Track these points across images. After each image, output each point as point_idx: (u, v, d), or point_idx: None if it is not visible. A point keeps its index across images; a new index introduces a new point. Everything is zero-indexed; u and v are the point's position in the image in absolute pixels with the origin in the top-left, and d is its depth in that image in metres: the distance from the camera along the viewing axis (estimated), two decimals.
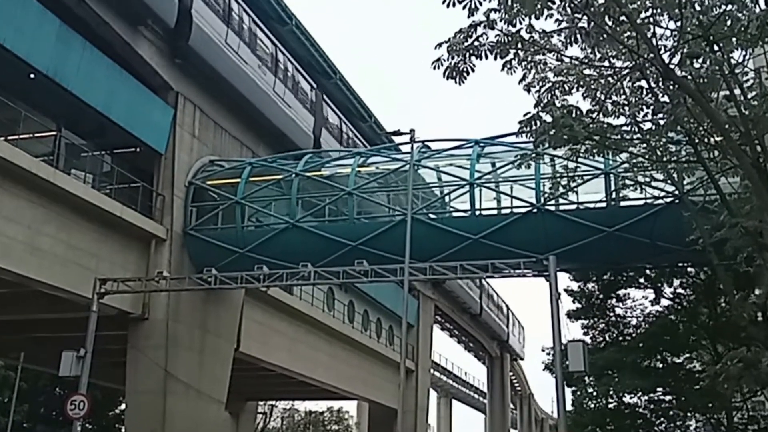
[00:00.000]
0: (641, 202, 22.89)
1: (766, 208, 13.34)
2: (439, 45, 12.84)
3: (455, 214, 25.92)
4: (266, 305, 32.29)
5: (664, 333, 26.47)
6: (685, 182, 20.10)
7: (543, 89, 13.91)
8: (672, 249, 21.61)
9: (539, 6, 12.14)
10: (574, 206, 23.82)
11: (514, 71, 13.47)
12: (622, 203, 23.37)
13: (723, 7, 12.68)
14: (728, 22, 12.69)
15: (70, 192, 22.78)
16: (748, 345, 15.55)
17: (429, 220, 25.30)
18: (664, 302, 27.75)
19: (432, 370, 58.39)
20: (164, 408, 25.63)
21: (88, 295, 23.20)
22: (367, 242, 25.03)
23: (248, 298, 30.40)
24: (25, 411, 40.49)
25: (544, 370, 30.64)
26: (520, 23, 12.50)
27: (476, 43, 12.69)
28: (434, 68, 13.01)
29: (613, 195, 23.24)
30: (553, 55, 13.70)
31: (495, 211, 25.36)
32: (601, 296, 28.51)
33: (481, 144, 26.45)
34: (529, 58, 13.56)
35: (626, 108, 14.90)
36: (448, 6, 12.15)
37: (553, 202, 23.85)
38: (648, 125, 15.51)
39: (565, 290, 28.31)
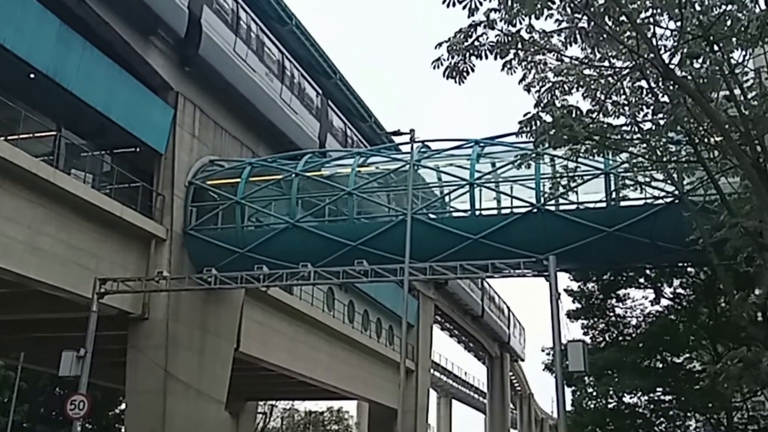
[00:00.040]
0: (641, 202, 22.88)
1: (766, 208, 13.34)
2: (439, 45, 12.85)
3: (455, 214, 25.91)
4: (266, 305, 32.29)
5: (664, 333, 26.45)
6: (685, 182, 20.09)
7: (543, 89, 13.91)
8: (672, 249, 21.61)
9: (539, 6, 12.13)
10: (574, 206, 23.81)
11: (514, 71, 13.47)
12: (622, 203, 23.36)
13: (723, 7, 12.67)
14: (728, 22, 12.68)
15: (70, 192, 22.77)
16: (748, 345, 15.55)
17: (429, 220, 25.29)
18: (664, 302, 27.76)
19: (432, 370, 58.39)
20: (164, 408, 25.62)
21: (88, 295, 23.19)
22: (367, 242, 25.03)
23: (248, 298, 30.39)
24: (25, 411, 40.48)
25: (544, 370, 30.62)
26: (520, 23, 12.51)
27: (476, 43, 12.70)
28: (434, 68, 13.02)
29: (613, 195, 23.23)
30: (553, 55, 13.70)
31: (495, 211, 25.35)
32: (601, 296, 28.50)
33: (481, 144, 26.45)
34: (529, 58, 13.56)
35: (626, 108, 14.89)
36: (448, 6, 12.16)
37: (553, 202, 23.84)
38: (648, 125, 15.51)
39: (565, 290, 28.33)
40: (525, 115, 13.63)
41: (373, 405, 49.74)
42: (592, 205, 23.59)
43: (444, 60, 12.88)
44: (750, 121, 13.64)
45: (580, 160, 17.83)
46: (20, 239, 21.44)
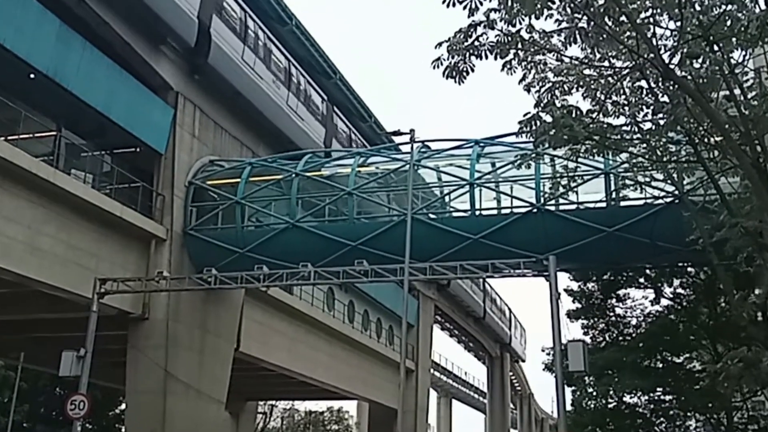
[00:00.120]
0: (641, 202, 22.88)
1: (766, 208, 13.33)
2: (439, 45, 12.83)
3: (455, 214, 25.91)
4: (266, 305, 32.29)
5: (664, 333, 26.44)
6: (685, 182, 20.08)
7: (543, 89, 13.90)
8: (672, 249, 21.60)
9: (539, 6, 12.12)
10: (574, 206, 23.81)
11: (514, 71, 13.46)
12: (622, 203, 23.36)
13: (723, 7, 12.65)
14: (728, 22, 12.66)
15: (70, 192, 22.77)
16: (748, 345, 15.53)
17: (429, 220, 25.29)
18: (664, 302, 27.74)
19: (432, 370, 58.42)
20: (164, 408, 25.62)
21: (88, 295, 23.19)
22: (367, 242, 25.02)
23: (248, 298, 30.39)
24: (25, 411, 40.47)
25: (544, 370, 30.61)
26: (520, 23, 12.49)
27: (476, 43, 12.68)
28: (434, 68, 13.01)
29: (613, 195, 23.23)
30: (553, 55, 13.69)
31: (495, 211, 25.35)
32: (601, 296, 28.49)
33: (481, 144, 26.44)
34: (529, 58, 13.55)
35: (626, 108, 14.87)
36: (448, 6, 12.15)
37: (553, 202, 23.84)
38: (648, 125, 15.49)
39: (565, 290, 28.31)
40: (525, 115, 13.63)
41: (373, 405, 49.76)
42: (592, 205, 23.58)
43: (444, 60, 12.87)
44: (750, 121, 13.62)
45: (580, 160, 17.82)
46: (20, 239, 21.44)
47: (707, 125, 14.61)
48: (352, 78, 59.29)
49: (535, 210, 23.77)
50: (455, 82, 12.96)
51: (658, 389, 26.88)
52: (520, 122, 13.67)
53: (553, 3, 12.28)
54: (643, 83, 14.54)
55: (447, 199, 26.25)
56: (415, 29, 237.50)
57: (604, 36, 13.15)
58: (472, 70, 12.90)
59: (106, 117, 24.53)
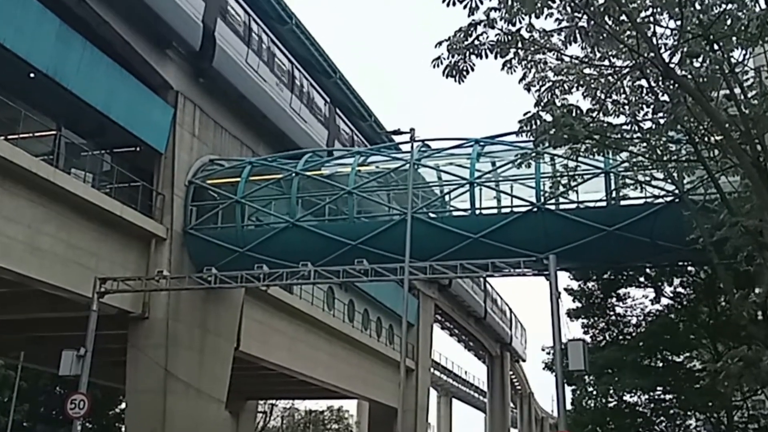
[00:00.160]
0: (641, 201, 22.85)
1: (766, 207, 13.33)
2: (439, 44, 12.82)
3: (455, 214, 25.89)
4: (266, 304, 32.27)
5: (665, 332, 26.43)
6: (685, 181, 20.12)
7: (543, 88, 13.91)
8: (672, 248, 21.57)
9: (539, 5, 12.09)
10: (574, 205, 23.80)
11: (514, 70, 13.46)
12: (623, 202, 23.35)
13: (723, 6, 12.65)
14: (728, 21, 12.67)
15: (70, 191, 22.75)
16: (748, 344, 15.52)
17: (429, 219, 25.26)
18: (665, 301, 27.75)
19: (432, 369, 58.42)
20: (164, 407, 25.61)
21: (88, 294, 23.16)
22: (367, 241, 25.01)
23: (248, 298, 30.37)
24: (26, 410, 40.46)
25: (544, 369, 30.61)
26: (520, 22, 12.48)
27: (476, 42, 12.67)
28: (434, 67, 13.00)
29: (614, 194, 23.21)
30: (553, 54, 13.69)
31: (495, 210, 25.34)
32: (601, 295, 28.47)
33: (481, 143, 26.43)
34: (529, 57, 13.55)
35: (626, 107, 14.89)
36: (448, 5, 12.15)
37: (553, 201, 23.83)
38: (648, 124, 15.52)
39: (565, 289, 28.28)
40: (525, 114, 13.64)
41: (373, 404, 49.75)
42: (592, 204, 23.57)
43: (444, 59, 12.86)
44: (750, 120, 13.62)
45: (580, 159, 17.88)
46: (20, 239, 21.42)
47: (707, 124, 14.63)
48: (352, 77, 59.32)
49: (535, 209, 23.75)
50: (455, 81, 12.95)
51: (659, 388, 26.88)
52: (520, 121, 13.67)
53: (554, 2, 12.26)
54: (644, 82, 14.56)
55: (447, 198, 26.25)
56: (414, 28, 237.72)
57: (605, 35, 13.14)
58: (472, 69, 12.89)
59: (106, 116, 24.51)
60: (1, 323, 28.48)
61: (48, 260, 22.33)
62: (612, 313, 28.66)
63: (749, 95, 14.41)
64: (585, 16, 12.78)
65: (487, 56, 12.79)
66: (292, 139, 33.41)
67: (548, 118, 13.68)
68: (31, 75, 22.00)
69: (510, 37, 12.81)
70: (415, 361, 47.67)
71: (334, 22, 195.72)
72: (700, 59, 13.44)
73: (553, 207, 23.94)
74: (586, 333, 28.75)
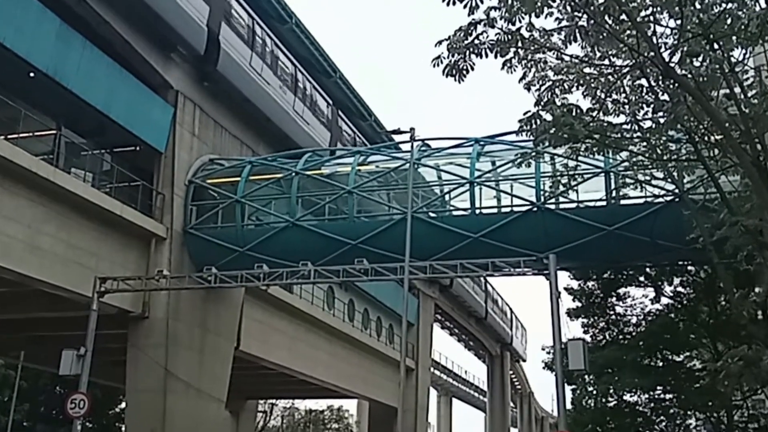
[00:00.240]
0: (641, 201, 22.82)
1: (766, 206, 13.32)
2: (439, 43, 12.81)
3: (455, 213, 25.87)
4: (266, 304, 32.25)
5: (665, 331, 26.43)
6: (685, 181, 20.11)
7: (543, 88, 13.90)
8: (672, 247, 21.54)
9: (539, 4, 12.08)
10: (574, 205, 23.78)
11: (514, 70, 13.45)
12: (623, 202, 23.34)
13: (723, 5, 12.64)
14: (728, 21, 12.65)
15: (70, 191, 22.72)
16: (748, 343, 15.53)
17: (429, 218, 25.24)
18: (665, 301, 27.77)
19: (432, 369, 58.42)
20: (164, 407, 25.58)
21: (88, 293, 23.14)
22: (367, 241, 24.98)
23: (248, 297, 30.34)
24: (26, 410, 40.42)
25: (544, 368, 30.68)
26: (520, 21, 12.48)
27: (476, 41, 12.65)
28: (434, 66, 12.99)
29: (614, 193, 23.19)
30: (553, 53, 13.68)
31: (495, 210, 25.33)
32: (601, 295, 28.47)
33: (481, 143, 26.40)
34: (529, 57, 13.53)
35: (626, 106, 14.87)
36: (448, 4, 12.15)
37: (553, 200, 23.83)
38: (648, 124, 15.50)
39: (565, 289, 28.29)
40: (525, 113, 13.62)
41: (373, 404, 49.74)
42: (592, 204, 23.55)
43: (444, 58, 12.86)
44: (750, 120, 13.61)
45: (580, 158, 17.88)
46: (20, 238, 21.39)
47: (707, 124, 14.62)
48: (352, 77, 59.23)
49: (535, 209, 23.73)
50: (455, 80, 12.94)
51: (659, 388, 26.90)
52: (520, 121, 13.66)
53: (554, 1, 12.23)
54: (644, 82, 14.54)
55: (447, 197, 26.22)
56: (414, 28, 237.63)
57: (605, 34, 13.13)
58: (472, 69, 12.88)
59: (106, 116, 24.48)
60: (1, 323, 28.45)
61: (48, 260, 22.30)
62: (612, 312, 28.67)
63: (749, 94, 14.40)
64: (585, 16, 12.77)
65: (487, 55, 12.78)
66: (295, 141, 33.47)
67: (548, 117, 13.66)
68: (31, 74, 21.97)
69: (510, 37, 12.80)
70: (415, 360, 47.65)
71: (334, 22, 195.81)
72: (700, 58, 13.42)
73: (553, 206, 23.91)
74: (586, 332, 28.81)
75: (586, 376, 27.60)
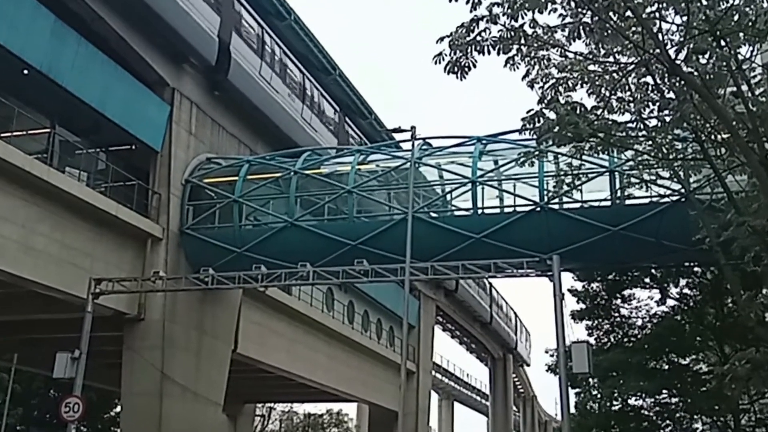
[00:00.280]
0: (647, 201, 22.63)
1: None
2: (441, 40, 12.61)
3: (457, 213, 25.67)
4: (264, 306, 32.05)
5: (670, 334, 26.36)
6: (691, 180, 19.96)
7: (546, 85, 13.70)
8: (678, 248, 21.33)
9: (543, 0, 11.92)
10: (578, 205, 23.59)
11: (517, 67, 13.26)
12: (627, 202, 23.21)
13: (730, 1, 12.45)
14: (735, 17, 12.45)
15: (64, 190, 22.51)
16: (755, 346, 15.29)
17: (430, 218, 25.06)
18: (670, 302, 27.71)
19: (433, 372, 58.29)
20: (160, 410, 25.38)
21: (82, 295, 22.91)
22: (367, 241, 24.76)
23: (246, 299, 30.12)
24: (19, 414, 40.38)
25: (547, 371, 30.62)
26: (523, 18, 12.27)
27: (478, 38, 12.44)
28: (435, 63, 12.77)
29: (618, 193, 23.03)
30: (557, 50, 13.50)
31: (497, 210, 25.13)
32: (605, 296, 28.41)
33: (484, 141, 26.16)
34: (533, 54, 13.35)
35: (631, 104, 14.70)
36: (450, 1, 11.94)
37: (556, 200, 23.64)
38: (654, 122, 15.36)
39: (569, 290, 28.29)
40: (528, 111, 13.41)
41: (373, 407, 49.52)
42: (596, 204, 23.42)
43: (446, 55, 12.64)
44: (758, 118, 13.43)
45: (584, 157, 17.70)
46: (14, 239, 21.20)
47: (714, 122, 14.46)
48: (352, 76, 59.19)
49: (538, 209, 23.54)
50: (457, 77, 12.73)
51: (664, 391, 26.84)
52: (523, 119, 13.46)
53: None
54: (649, 79, 14.33)
55: (448, 197, 26.03)
56: (415, 26, 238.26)
57: (609, 31, 12.94)
58: (474, 66, 12.69)
59: (101, 114, 24.28)
60: None
61: (42, 260, 22.09)
62: (617, 314, 28.59)
63: (757, 92, 14.21)
64: (589, 12, 12.58)
65: (489, 52, 12.57)
66: (295, 141, 33.38)
67: (552, 115, 13.46)
68: (25, 72, 21.76)
69: (513, 33, 12.59)
70: (416, 363, 47.40)
71: (334, 21, 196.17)
72: (707, 56, 13.18)
73: (556, 206, 23.71)
74: (590, 335, 28.69)
75: (590, 380, 27.49)
